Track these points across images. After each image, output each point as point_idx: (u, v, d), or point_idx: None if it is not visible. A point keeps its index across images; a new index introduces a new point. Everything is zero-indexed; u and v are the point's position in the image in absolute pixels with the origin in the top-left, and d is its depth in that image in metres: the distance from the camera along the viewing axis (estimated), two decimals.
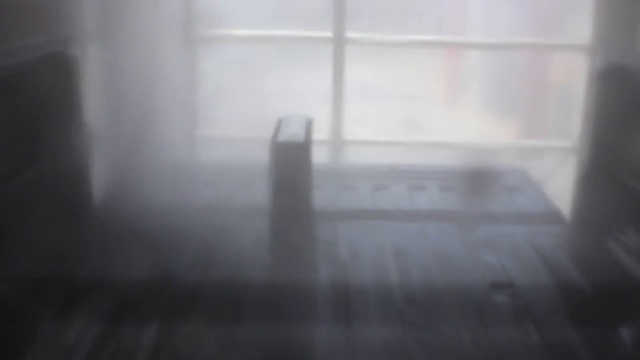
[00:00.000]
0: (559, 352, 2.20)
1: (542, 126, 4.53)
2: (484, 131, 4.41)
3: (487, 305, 2.46)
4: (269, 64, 3.80)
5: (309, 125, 2.85)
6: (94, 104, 3.28)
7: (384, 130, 4.00)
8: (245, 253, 2.79)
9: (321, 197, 3.35)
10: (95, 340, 2.19)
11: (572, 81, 4.22)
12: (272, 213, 2.73)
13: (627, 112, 2.83)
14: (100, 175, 3.47)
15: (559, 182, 3.68)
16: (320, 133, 3.05)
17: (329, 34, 4.02)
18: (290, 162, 2.61)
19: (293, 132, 2.72)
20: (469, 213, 3.33)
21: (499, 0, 4.11)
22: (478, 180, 3.14)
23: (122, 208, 3.26)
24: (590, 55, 3.82)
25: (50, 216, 2.87)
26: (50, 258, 2.70)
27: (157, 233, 2.97)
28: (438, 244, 2.95)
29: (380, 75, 4.06)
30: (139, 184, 3.58)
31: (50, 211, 2.88)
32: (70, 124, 2.97)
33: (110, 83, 3.56)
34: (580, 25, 3.92)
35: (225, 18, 3.82)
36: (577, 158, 3.27)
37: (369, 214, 3.24)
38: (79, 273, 2.60)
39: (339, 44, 4.02)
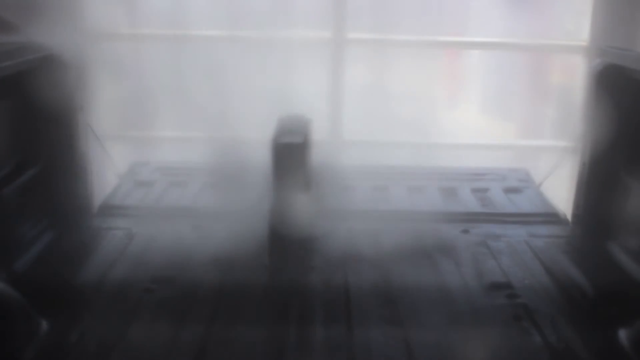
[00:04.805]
0: (558, 353, 2.20)
1: (542, 126, 4.53)
2: (484, 131, 4.41)
3: (486, 306, 2.46)
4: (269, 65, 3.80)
5: (307, 126, 2.85)
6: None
7: (383, 131, 4.00)
8: (245, 254, 2.79)
9: (319, 198, 3.35)
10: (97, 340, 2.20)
11: (571, 82, 4.22)
12: (271, 214, 2.73)
13: (626, 113, 2.83)
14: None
15: (559, 182, 3.68)
16: (320, 133, 3.05)
17: (328, 34, 4.03)
18: (289, 162, 2.62)
19: (292, 132, 2.72)
20: (468, 214, 3.33)
21: (499, 1, 4.12)
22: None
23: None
24: (589, 56, 3.82)
25: (50, 217, 2.88)
26: (51, 258, 2.71)
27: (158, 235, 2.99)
28: (437, 244, 2.95)
29: (379, 75, 4.06)
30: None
31: (51, 212, 2.89)
32: (70, 124, 2.97)
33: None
34: (579, 26, 3.93)
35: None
36: (577, 158, 3.27)
37: (368, 215, 3.24)
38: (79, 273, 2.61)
39: (338, 44, 4.02)
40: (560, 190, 3.56)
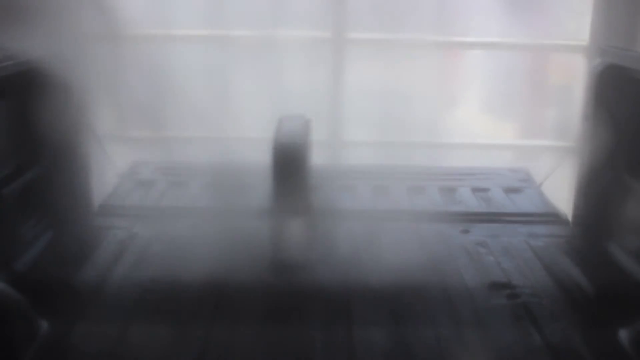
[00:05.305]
0: (558, 353, 2.20)
1: (542, 126, 4.53)
2: (484, 131, 4.40)
3: (486, 306, 2.47)
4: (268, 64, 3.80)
5: (307, 126, 2.85)
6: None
7: (383, 131, 4.00)
8: (245, 254, 2.79)
9: (320, 198, 3.36)
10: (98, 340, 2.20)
11: (571, 82, 4.22)
12: (271, 213, 2.73)
13: (626, 113, 2.83)
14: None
15: (559, 182, 3.68)
16: (320, 133, 3.05)
17: (328, 33, 4.03)
18: (289, 162, 2.62)
19: (292, 132, 2.73)
20: (468, 214, 3.33)
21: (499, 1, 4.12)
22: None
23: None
24: (589, 56, 3.82)
25: (50, 217, 2.88)
26: (51, 258, 2.72)
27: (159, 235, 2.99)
28: (437, 244, 2.96)
29: (379, 75, 4.06)
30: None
31: (51, 212, 2.89)
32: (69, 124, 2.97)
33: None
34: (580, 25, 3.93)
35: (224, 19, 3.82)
36: (577, 158, 3.27)
37: (367, 215, 3.24)
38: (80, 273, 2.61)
39: (338, 43, 4.02)
40: (560, 190, 3.55)
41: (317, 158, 2.96)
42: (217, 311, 2.38)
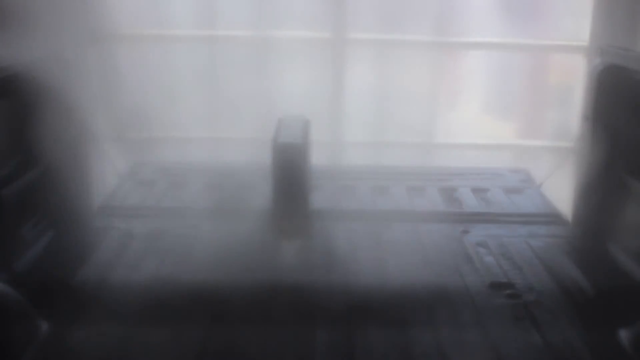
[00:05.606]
0: (558, 353, 2.20)
1: (542, 127, 4.53)
2: (484, 132, 4.41)
3: (486, 306, 2.47)
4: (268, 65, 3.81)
5: (307, 126, 2.86)
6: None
7: (383, 132, 4.00)
8: (245, 254, 2.79)
9: (320, 198, 3.36)
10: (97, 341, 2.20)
11: (571, 82, 4.22)
12: (271, 214, 2.74)
13: (626, 113, 2.83)
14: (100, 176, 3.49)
15: (559, 183, 3.68)
16: (320, 134, 3.05)
17: (328, 34, 4.03)
18: (289, 163, 2.63)
19: (292, 133, 2.74)
20: (468, 214, 3.33)
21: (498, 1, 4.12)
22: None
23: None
24: (589, 56, 3.83)
25: (50, 217, 2.88)
26: (51, 258, 2.72)
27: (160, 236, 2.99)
28: (438, 244, 2.96)
29: (379, 76, 4.06)
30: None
31: (51, 212, 2.89)
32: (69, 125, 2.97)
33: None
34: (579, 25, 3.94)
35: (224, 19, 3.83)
36: (577, 159, 3.27)
37: (368, 215, 3.24)
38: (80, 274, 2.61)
39: (339, 44, 4.02)
40: (560, 191, 3.55)
41: (317, 158, 2.97)
42: (215, 312, 2.37)
